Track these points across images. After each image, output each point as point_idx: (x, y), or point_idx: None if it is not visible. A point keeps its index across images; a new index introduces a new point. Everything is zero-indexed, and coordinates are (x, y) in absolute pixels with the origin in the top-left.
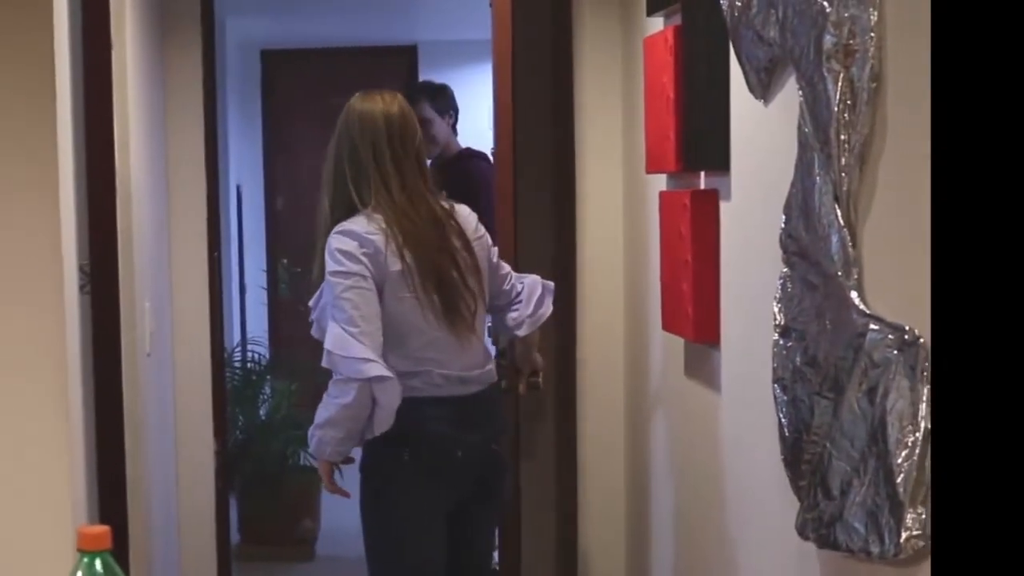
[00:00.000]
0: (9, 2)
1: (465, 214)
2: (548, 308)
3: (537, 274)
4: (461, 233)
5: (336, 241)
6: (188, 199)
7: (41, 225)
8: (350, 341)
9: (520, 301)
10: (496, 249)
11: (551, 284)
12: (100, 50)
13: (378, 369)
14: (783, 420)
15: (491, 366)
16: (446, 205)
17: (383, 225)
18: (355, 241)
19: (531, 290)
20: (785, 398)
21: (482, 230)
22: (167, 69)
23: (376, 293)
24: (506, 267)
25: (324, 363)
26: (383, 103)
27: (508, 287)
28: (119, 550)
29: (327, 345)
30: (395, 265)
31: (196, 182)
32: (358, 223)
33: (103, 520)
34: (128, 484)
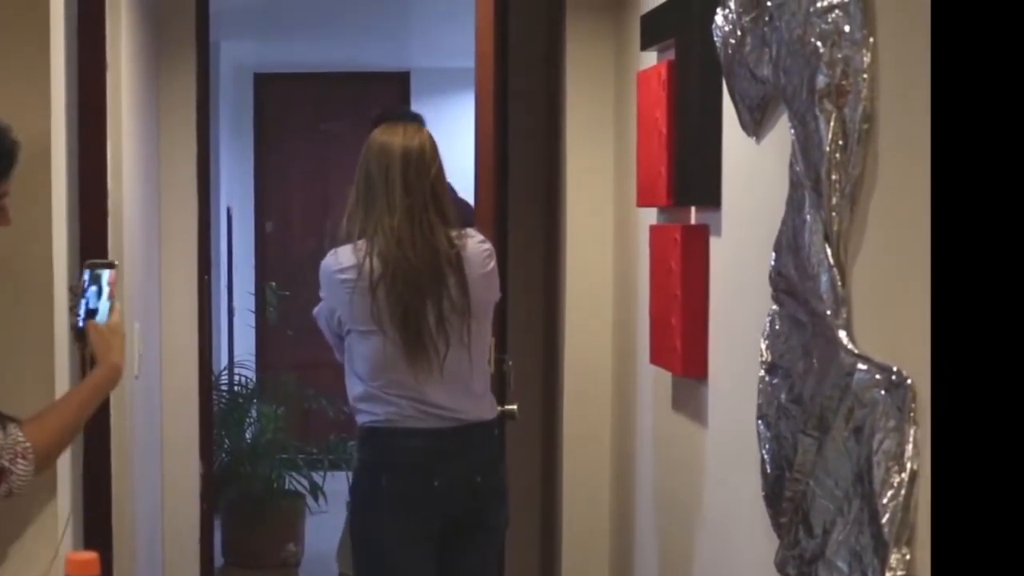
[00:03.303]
0: (5, 23)
1: (474, 250)
2: None
3: (526, 302)
4: (460, 271)
5: (322, 265)
6: (179, 222)
7: (33, 244)
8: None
9: None
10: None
11: None
12: (95, 72)
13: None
14: (766, 456)
15: (481, 406)
16: (456, 238)
17: (362, 259)
18: (324, 277)
19: None
20: (769, 434)
21: (491, 265)
22: (161, 91)
23: (331, 327)
24: None
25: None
26: (403, 136)
27: None
28: (103, 572)
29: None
30: (363, 299)
31: (188, 205)
32: (342, 255)
33: (88, 543)
34: (114, 506)
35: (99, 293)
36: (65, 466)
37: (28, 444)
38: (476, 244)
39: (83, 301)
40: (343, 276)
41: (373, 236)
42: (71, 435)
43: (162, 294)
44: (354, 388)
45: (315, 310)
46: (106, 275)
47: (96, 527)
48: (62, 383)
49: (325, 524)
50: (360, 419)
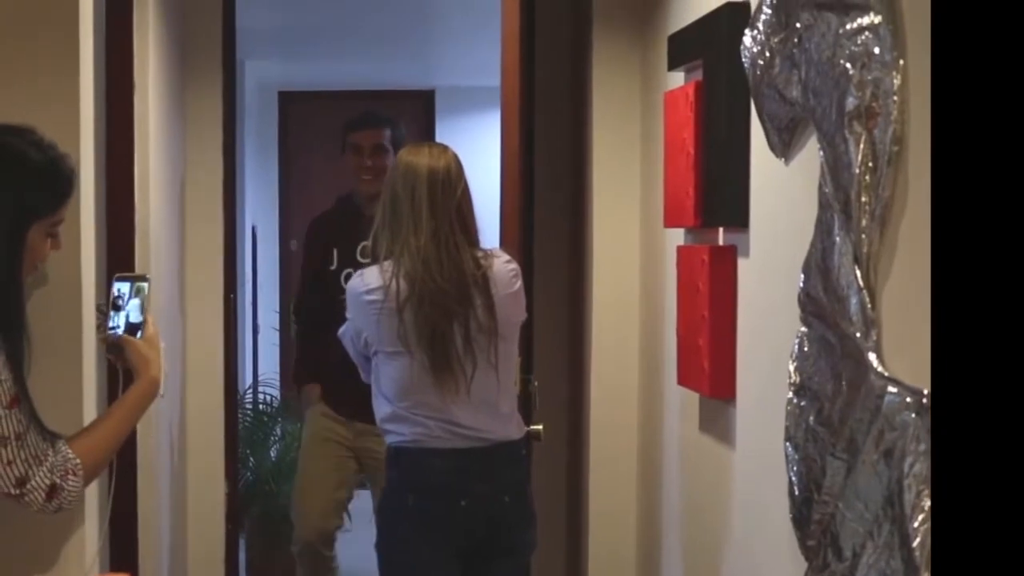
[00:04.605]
0: (35, 44)
1: (500, 270)
2: None
3: (552, 322)
4: (487, 292)
5: (348, 286)
6: (205, 240)
7: (62, 262)
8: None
9: None
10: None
11: None
12: (123, 91)
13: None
14: (793, 479)
15: (508, 426)
16: (482, 258)
17: (389, 280)
18: (350, 297)
19: None
20: (797, 456)
21: (517, 285)
22: (187, 110)
23: (357, 349)
24: None
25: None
26: (429, 156)
27: None
28: None
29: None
30: (390, 321)
31: (213, 223)
32: (368, 276)
33: (114, 563)
34: (140, 526)
35: (141, 307)
36: (92, 486)
37: (78, 460)
38: (502, 264)
39: (123, 314)
40: (370, 297)
41: (400, 257)
42: (115, 449)
43: (187, 312)
44: (381, 409)
45: (340, 330)
46: (146, 288)
47: (122, 547)
48: (90, 399)
49: (350, 543)
50: (388, 439)
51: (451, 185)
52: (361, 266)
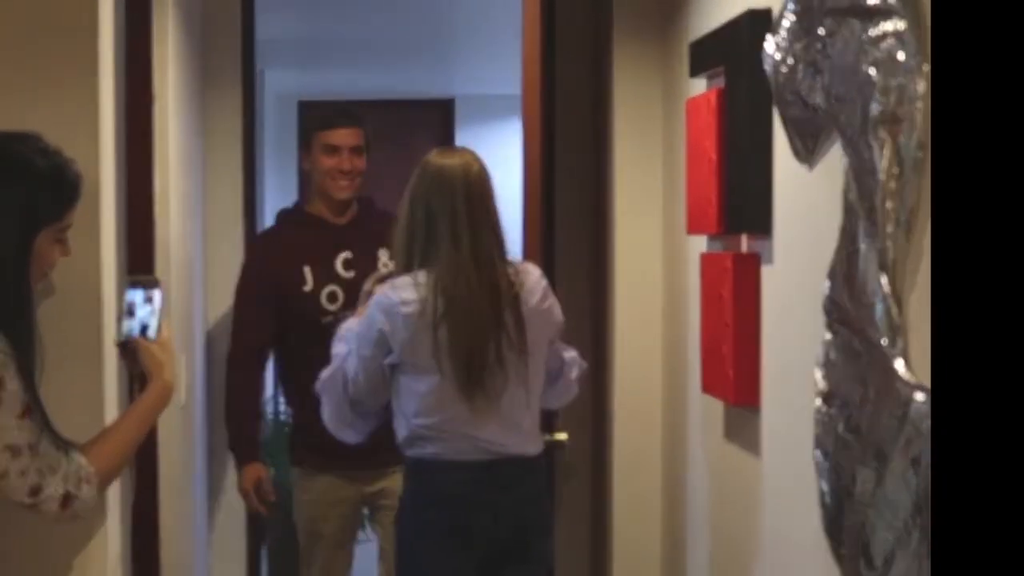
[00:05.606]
0: (55, 54)
1: (532, 288)
2: (574, 392)
3: (575, 330)
4: (517, 308)
5: (374, 304)
6: (225, 250)
7: (81, 271)
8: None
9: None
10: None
11: (584, 365)
12: (142, 101)
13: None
14: (824, 487)
15: (528, 441)
16: (513, 275)
17: (424, 294)
18: (383, 309)
19: (568, 372)
20: (827, 465)
21: (549, 301)
22: (207, 120)
23: (376, 366)
24: (567, 351)
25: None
26: (462, 160)
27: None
28: None
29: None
30: (425, 336)
31: (233, 233)
32: (402, 289)
33: (136, 571)
34: (161, 534)
35: (154, 311)
36: (114, 496)
37: (91, 469)
38: (535, 282)
39: (136, 319)
40: (407, 310)
41: (437, 273)
42: (129, 456)
43: (207, 322)
44: (402, 430)
45: (342, 331)
46: (157, 293)
47: (144, 555)
48: (111, 406)
49: (372, 552)
50: (407, 452)
51: (486, 199)
52: (343, 280)
